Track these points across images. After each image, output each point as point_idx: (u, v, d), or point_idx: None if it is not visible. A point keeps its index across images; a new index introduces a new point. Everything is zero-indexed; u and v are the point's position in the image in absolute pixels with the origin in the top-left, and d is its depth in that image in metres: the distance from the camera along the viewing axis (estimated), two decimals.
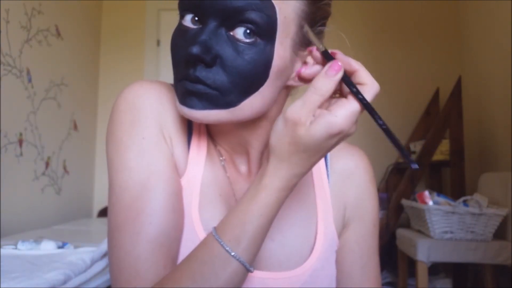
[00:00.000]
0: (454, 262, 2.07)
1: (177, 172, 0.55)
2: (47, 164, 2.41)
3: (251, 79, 0.48)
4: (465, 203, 2.01)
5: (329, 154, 0.65)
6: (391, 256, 2.47)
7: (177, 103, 0.51)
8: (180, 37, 0.50)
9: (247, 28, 0.47)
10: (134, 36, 3.16)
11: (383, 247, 2.40)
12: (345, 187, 0.64)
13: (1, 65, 1.98)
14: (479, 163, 2.67)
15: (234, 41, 0.47)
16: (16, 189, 2.11)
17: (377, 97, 0.49)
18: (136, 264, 0.48)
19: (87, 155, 2.98)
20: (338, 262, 0.63)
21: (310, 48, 0.49)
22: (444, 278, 2.48)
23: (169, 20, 3.15)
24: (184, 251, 0.53)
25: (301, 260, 0.58)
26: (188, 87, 0.48)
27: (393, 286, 2.56)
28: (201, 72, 0.47)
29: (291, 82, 0.54)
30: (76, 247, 1.62)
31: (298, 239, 0.59)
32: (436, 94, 2.88)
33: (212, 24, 0.47)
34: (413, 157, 2.64)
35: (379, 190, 2.79)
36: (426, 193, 2.10)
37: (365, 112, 0.48)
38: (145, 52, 3.15)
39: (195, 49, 0.45)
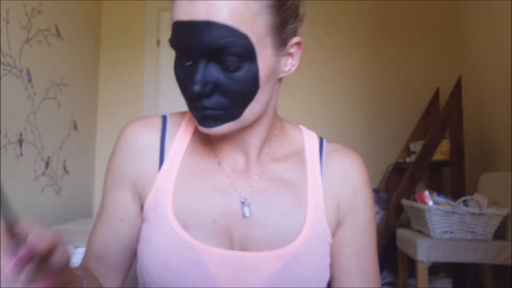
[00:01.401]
0: (454, 262, 2.07)
1: (121, 216, 0.67)
2: (47, 164, 2.41)
3: (245, 94, 0.58)
4: (465, 203, 2.01)
5: (324, 155, 0.70)
6: (391, 256, 2.47)
7: (196, 123, 0.62)
8: (181, 72, 0.59)
9: (231, 59, 0.55)
10: (134, 36, 3.16)
11: (383, 247, 2.40)
12: (339, 186, 0.68)
13: (1, 65, 1.98)
14: (479, 163, 2.67)
15: (223, 70, 0.56)
16: (16, 189, 2.11)
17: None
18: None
19: (87, 155, 2.98)
20: (335, 258, 0.66)
21: None
22: (444, 278, 2.48)
23: (169, 20, 3.14)
24: (161, 242, 0.62)
25: (287, 243, 0.62)
26: (201, 115, 0.59)
27: (393, 286, 2.56)
28: (206, 102, 0.58)
29: (281, 75, 0.64)
30: (76, 247, 1.62)
31: (288, 225, 0.64)
32: (436, 94, 2.88)
33: (202, 62, 0.56)
34: (413, 157, 2.64)
35: (379, 190, 2.79)
36: (426, 193, 2.10)
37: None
38: (145, 52, 3.15)
39: (196, 88, 0.55)
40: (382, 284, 2.58)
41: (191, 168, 0.67)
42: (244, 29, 0.55)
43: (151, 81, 3.15)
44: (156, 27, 3.17)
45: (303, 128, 0.74)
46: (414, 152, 2.71)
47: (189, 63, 0.58)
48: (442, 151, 2.52)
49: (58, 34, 2.55)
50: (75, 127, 2.77)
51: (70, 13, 2.71)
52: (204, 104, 0.57)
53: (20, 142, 2.15)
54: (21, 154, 2.15)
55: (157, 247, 0.62)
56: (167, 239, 0.61)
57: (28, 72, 2.22)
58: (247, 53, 0.56)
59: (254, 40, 0.56)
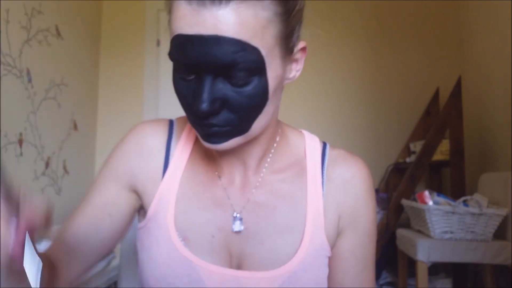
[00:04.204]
0: (454, 262, 2.07)
1: (106, 212, 0.65)
2: (47, 164, 2.41)
3: (254, 108, 0.54)
4: (465, 203, 2.01)
5: (326, 163, 0.67)
6: (391, 256, 2.47)
7: (200, 139, 0.58)
8: (182, 86, 0.55)
9: (240, 74, 0.52)
10: (134, 36, 3.16)
11: (383, 247, 2.39)
12: (340, 196, 0.65)
13: (1, 65, 1.98)
14: (479, 163, 2.67)
15: (231, 85, 0.52)
16: None
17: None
18: None
19: (87, 155, 2.98)
20: (331, 269, 0.65)
21: None
22: (444, 278, 2.48)
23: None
24: (161, 257, 0.61)
25: (284, 263, 0.61)
26: (207, 132, 0.55)
27: (393, 286, 2.56)
28: (213, 119, 0.54)
29: (286, 82, 0.60)
30: None
31: (286, 243, 0.62)
32: (436, 94, 2.88)
33: (208, 78, 0.52)
34: (413, 157, 2.64)
35: (379, 190, 2.79)
36: (426, 193, 2.10)
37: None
38: (145, 52, 3.15)
39: (203, 107, 0.51)
40: (382, 284, 2.58)
41: (192, 178, 0.65)
42: (254, 42, 0.51)
43: (151, 81, 3.15)
44: (156, 27, 3.17)
45: (306, 134, 0.71)
46: (414, 152, 2.71)
47: (192, 77, 0.54)
48: (442, 151, 2.52)
49: (58, 34, 2.55)
50: (75, 127, 2.77)
51: (70, 13, 2.71)
52: (211, 122, 0.54)
53: (20, 142, 2.15)
54: (21, 154, 2.15)
55: (157, 261, 0.62)
56: (166, 254, 0.61)
57: (28, 72, 2.23)
58: (258, 67, 0.52)
59: (264, 52, 0.52)
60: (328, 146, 0.69)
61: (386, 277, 2.59)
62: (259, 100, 0.54)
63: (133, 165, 0.66)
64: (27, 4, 2.21)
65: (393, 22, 3.10)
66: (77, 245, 0.63)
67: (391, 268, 2.58)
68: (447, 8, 3.07)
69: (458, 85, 2.46)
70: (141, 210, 0.69)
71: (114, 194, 0.65)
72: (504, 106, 2.36)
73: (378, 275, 2.58)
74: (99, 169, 0.70)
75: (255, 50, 0.51)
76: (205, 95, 0.51)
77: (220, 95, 0.52)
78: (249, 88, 0.52)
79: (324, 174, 0.66)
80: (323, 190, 0.65)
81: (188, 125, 0.69)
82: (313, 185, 0.65)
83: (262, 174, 0.65)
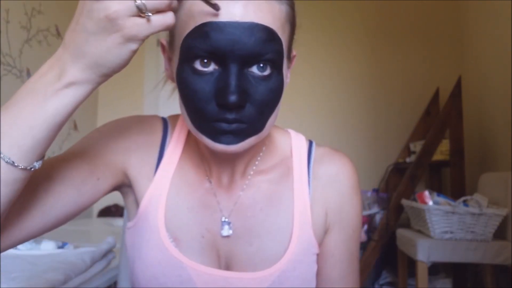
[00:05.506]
0: (454, 262, 2.07)
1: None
2: None
3: (273, 104, 0.54)
4: (465, 203, 2.01)
5: (312, 160, 0.67)
6: (391, 256, 2.47)
7: (208, 140, 0.54)
8: (197, 80, 0.51)
9: (265, 65, 0.52)
10: None
11: (383, 247, 2.40)
12: (326, 193, 0.66)
13: (1, 65, 1.99)
14: (479, 163, 2.67)
15: (254, 77, 0.52)
16: None
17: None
18: None
19: None
20: (319, 265, 0.66)
21: None
22: (444, 278, 2.48)
23: None
24: (152, 257, 0.61)
25: (273, 263, 0.62)
26: (226, 128, 0.52)
27: (393, 286, 2.56)
28: (237, 114, 0.51)
29: None
30: (76, 247, 1.62)
31: (274, 243, 0.63)
32: (436, 94, 2.88)
33: (234, 68, 0.50)
34: (413, 157, 2.64)
35: (379, 190, 2.79)
36: (426, 193, 2.10)
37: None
38: (145, 52, 3.15)
39: (234, 98, 0.49)
40: (382, 284, 2.58)
41: (183, 179, 0.65)
42: (279, 34, 0.52)
43: (151, 81, 3.15)
44: None
45: (292, 133, 0.71)
46: (414, 152, 2.71)
47: (210, 68, 0.51)
48: (442, 151, 2.52)
49: (58, 34, 2.55)
50: (75, 127, 2.77)
51: (70, 13, 2.70)
52: (235, 117, 0.51)
53: None
54: None
55: (147, 261, 0.61)
56: (157, 253, 0.61)
57: (28, 72, 2.22)
58: (279, 60, 0.53)
59: (284, 47, 0.54)
60: (314, 144, 0.70)
61: (386, 277, 2.59)
62: (277, 95, 0.54)
63: (132, 141, 0.64)
64: (27, 4, 2.21)
65: (393, 22, 3.10)
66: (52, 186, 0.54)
67: (391, 268, 2.58)
68: (447, 8, 3.07)
69: (458, 85, 2.46)
70: (131, 208, 0.68)
71: (107, 161, 0.61)
72: (504, 106, 2.36)
73: (378, 275, 2.58)
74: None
75: (280, 42, 0.52)
76: (234, 86, 0.49)
77: (246, 87, 0.51)
78: (271, 82, 0.52)
79: (310, 172, 0.66)
80: (309, 188, 0.65)
81: (179, 125, 0.68)
82: (299, 184, 0.65)
83: (249, 177, 0.65)
